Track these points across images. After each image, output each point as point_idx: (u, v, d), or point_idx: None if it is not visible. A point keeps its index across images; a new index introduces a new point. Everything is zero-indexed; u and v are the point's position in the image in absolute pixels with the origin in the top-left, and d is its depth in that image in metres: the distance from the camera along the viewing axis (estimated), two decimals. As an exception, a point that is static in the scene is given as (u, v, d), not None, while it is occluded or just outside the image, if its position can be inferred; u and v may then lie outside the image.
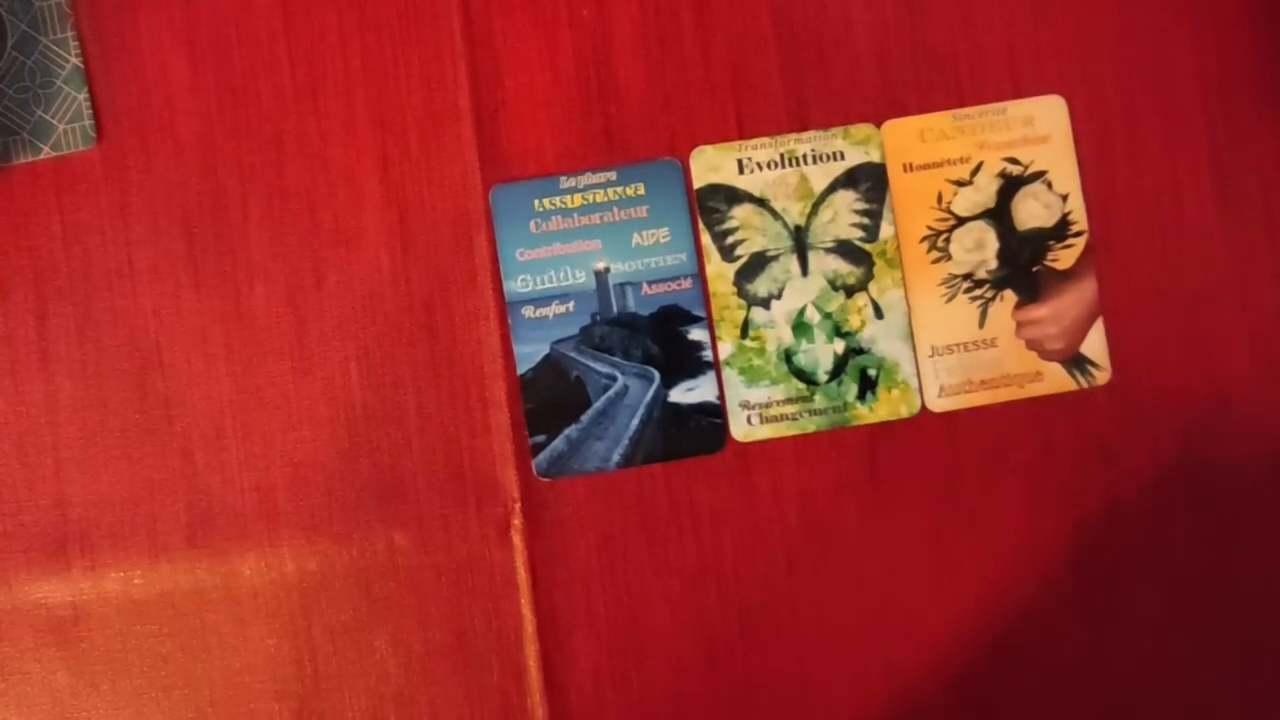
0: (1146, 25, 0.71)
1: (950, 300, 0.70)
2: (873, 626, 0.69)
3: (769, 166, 0.70)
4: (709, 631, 0.69)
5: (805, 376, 0.70)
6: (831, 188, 0.70)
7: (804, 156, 0.70)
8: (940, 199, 0.71)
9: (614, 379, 0.70)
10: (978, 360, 0.70)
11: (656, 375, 0.70)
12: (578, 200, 0.70)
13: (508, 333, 0.70)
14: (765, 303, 0.70)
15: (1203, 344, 0.70)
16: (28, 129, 0.69)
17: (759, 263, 0.70)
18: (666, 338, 0.70)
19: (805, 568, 0.70)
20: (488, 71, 0.70)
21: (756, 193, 0.70)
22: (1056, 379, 0.70)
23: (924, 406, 0.70)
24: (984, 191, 0.71)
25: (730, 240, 0.70)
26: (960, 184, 0.71)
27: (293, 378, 0.69)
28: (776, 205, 0.70)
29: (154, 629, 0.69)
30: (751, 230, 0.70)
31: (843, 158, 0.70)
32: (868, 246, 0.70)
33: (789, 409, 0.70)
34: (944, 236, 0.70)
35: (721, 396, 0.70)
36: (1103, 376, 0.70)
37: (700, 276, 0.70)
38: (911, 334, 0.70)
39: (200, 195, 0.70)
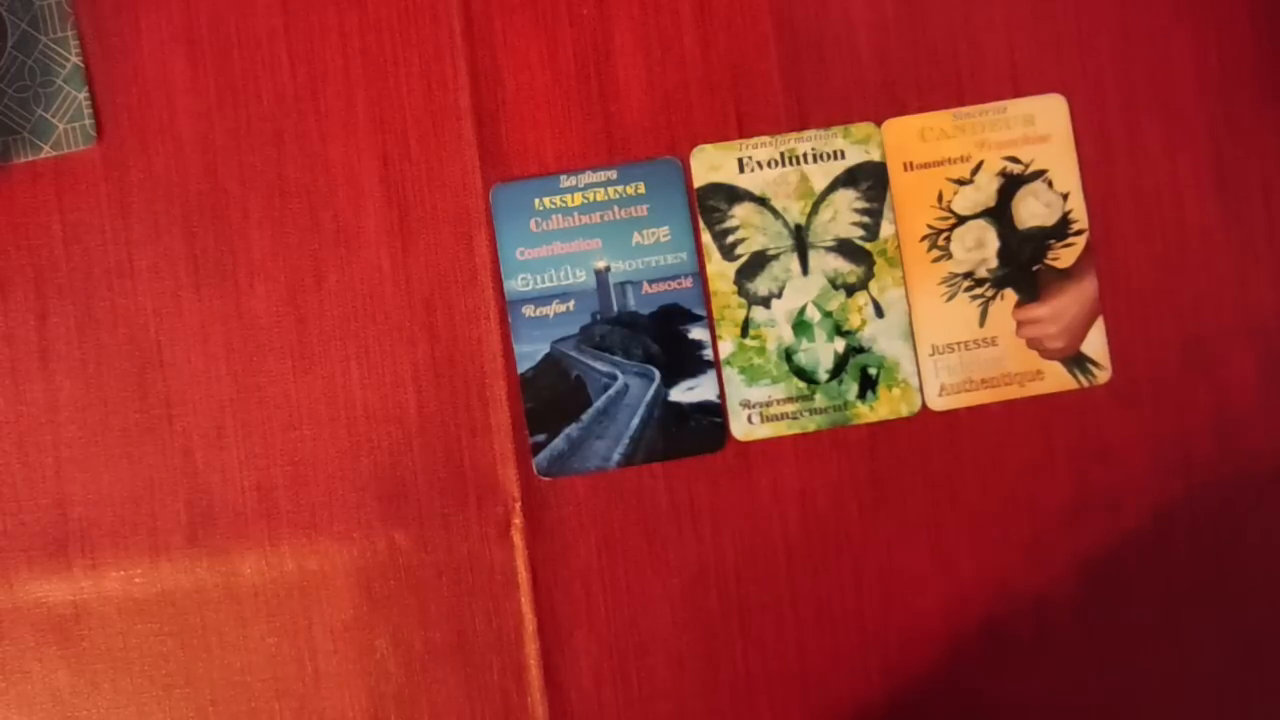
0: (1147, 24, 0.71)
1: (951, 299, 0.70)
2: (873, 626, 0.70)
3: (769, 165, 0.70)
4: (709, 631, 0.69)
5: (806, 375, 0.70)
6: (832, 186, 0.70)
7: (804, 155, 0.70)
8: (941, 198, 0.71)
9: (614, 378, 0.70)
10: (978, 359, 0.70)
11: (657, 374, 0.70)
12: (578, 199, 0.70)
13: (508, 332, 0.70)
14: (766, 301, 0.70)
15: (1203, 344, 0.70)
16: (28, 128, 0.69)
17: (759, 262, 0.70)
18: (667, 337, 0.70)
19: (805, 567, 0.70)
20: (488, 71, 0.70)
21: (757, 192, 0.70)
22: (1057, 378, 0.70)
23: (924, 405, 0.70)
24: (984, 190, 0.71)
25: (731, 239, 0.70)
26: (961, 183, 0.71)
27: (293, 377, 0.69)
28: (777, 204, 0.70)
29: (155, 628, 0.69)
30: (752, 229, 0.70)
31: (843, 157, 0.70)
32: (868, 245, 0.70)
33: (789, 408, 0.70)
34: (944, 235, 0.70)
35: (722, 395, 0.70)
36: (1103, 376, 0.70)
37: (701, 275, 0.70)
38: (912, 333, 0.70)
39: (200, 195, 0.70)
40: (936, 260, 0.70)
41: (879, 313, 0.70)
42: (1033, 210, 0.71)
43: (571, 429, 0.70)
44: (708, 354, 0.70)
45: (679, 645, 0.69)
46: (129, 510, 0.69)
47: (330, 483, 0.69)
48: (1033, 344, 0.70)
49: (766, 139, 0.70)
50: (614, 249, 0.70)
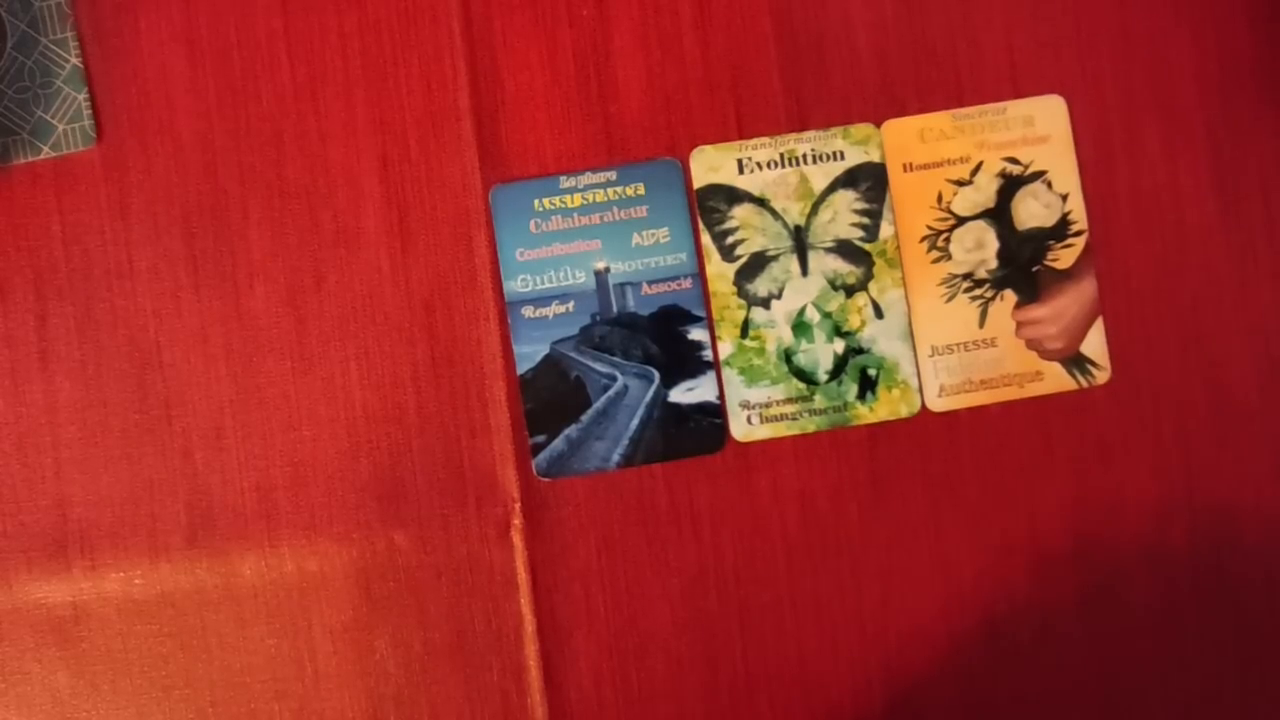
0: (1146, 25, 0.71)
1: (950, 300, 0.70)
2: (873, 626, 0.70)
3: (769, 166, 0.70)
4: (709, 631, 0.69)
5: (805, 376, 0.70)
6: (831, 187, 0.70)
7: (804, 156, 0.70)
8: (940, 199, 0.71)
9: (614, 379, 0.70)
10: (978, 360, 0.70)
11: (656, 375, 0.70)
12: (578, 200, 0.70)
13: (508, 333, 0.70)
14: (765, 302, 0.70)
15: (1203, 344, 0.70)
16: (28, 129, 0.69)
17: (759, 262, 0.70)
18: (666, 337, 0.70)
19: (805, 568, 0.70)
20: (488, 71, 0.70)
21: (756, 192, 0.70)
22: (1056, 379, 0.70)
23: (924, 406, 0.70)
24: (984, 191, 0.71)
25: (730, 240, 0.70)
26: (960, 184, 0.71)
27: (293, 378, 0.69)
28: (776, 205, 0.70)
29: (154, 629, 0.69)
30: (751, 230, 0.70)
31: (842, 157, 0.70)
32: (868, 246, 0.70)
33: (789, 409, 0.70)
34: (944, 236, 0.71)
35: (721, 396, 0.70)
36: (1103, 376, 0.70)
37: (700, 276, 0.70)
38: (911, 334, 0.70)
39: (200, 195, 0.70)
40: (936, 261, 0.70)
41: (878, 314, 0.70)
42: (1032, 211, 0.71)
43: (571, 430, 0.70)
44: (707, 355, 0.70)
45: (679, 645, 0.69)
46: (128, 511, 0.69)
47: (330, 483, 0.69)
48: (1032, 345, 0.70)
49: (766, 140, 0.70)
50: (613, 250, 0.70)
